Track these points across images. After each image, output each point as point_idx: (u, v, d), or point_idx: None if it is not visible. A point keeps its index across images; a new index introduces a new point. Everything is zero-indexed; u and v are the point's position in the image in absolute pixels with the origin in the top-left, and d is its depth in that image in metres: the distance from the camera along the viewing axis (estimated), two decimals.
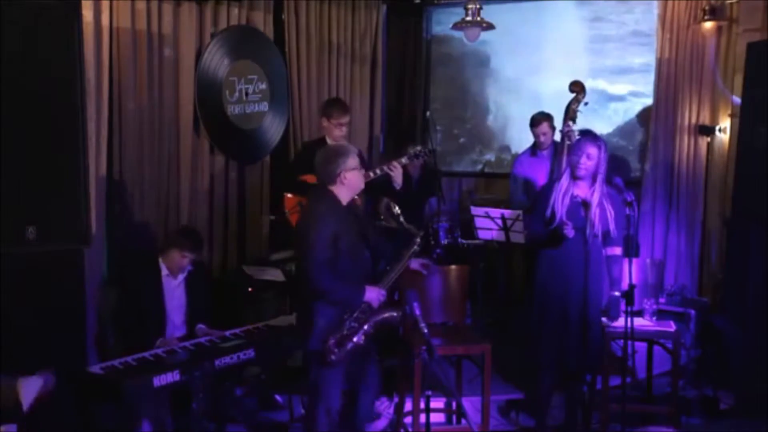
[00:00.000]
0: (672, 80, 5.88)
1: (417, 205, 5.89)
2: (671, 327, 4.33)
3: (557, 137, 5.15)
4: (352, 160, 3.57)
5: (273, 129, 5.71)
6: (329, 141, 4.80)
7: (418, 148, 5.01)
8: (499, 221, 5.33)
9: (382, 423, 4.46)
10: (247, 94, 5.46)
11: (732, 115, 5.63)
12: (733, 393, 4.69)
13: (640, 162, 6.30)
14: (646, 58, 6.29)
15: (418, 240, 3.67)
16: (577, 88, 4.83)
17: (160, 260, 4.20)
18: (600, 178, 3.96)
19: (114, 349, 4.26)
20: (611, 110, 6.54)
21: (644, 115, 6.36)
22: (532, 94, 6.81)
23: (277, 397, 4.67)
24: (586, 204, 3.96)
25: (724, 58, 5.73)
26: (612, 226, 3.97)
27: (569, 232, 3.82)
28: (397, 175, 4.80)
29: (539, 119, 5.29)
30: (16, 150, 3.37)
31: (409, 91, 7.42)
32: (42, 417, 3.30)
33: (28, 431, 3.29)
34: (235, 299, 5.03)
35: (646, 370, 4.70)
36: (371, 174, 4.69)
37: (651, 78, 6.07)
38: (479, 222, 5.50)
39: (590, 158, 3.92)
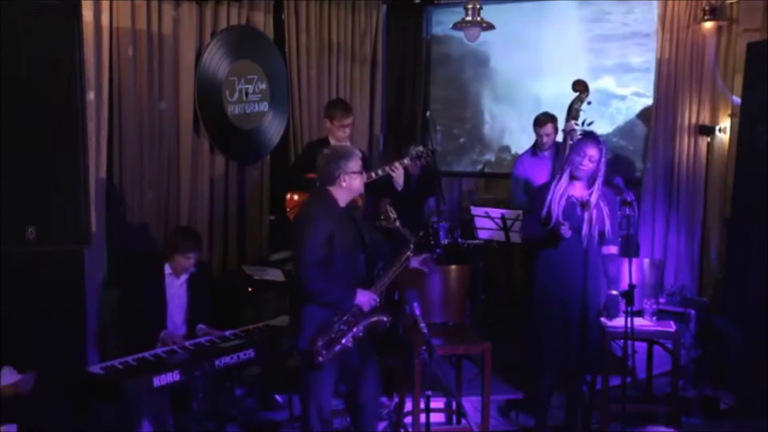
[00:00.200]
0: (672, 80, 5.88)
1: (416, 205, 5.89)
2: (671, 327, 4.33)
3: (559, 137, 5.15)
4: (354, 164, 3.55)
5: (273, 129, 5.71)
6: (332, 141, 4.81)
7: (420, 148, 5.00)
8: (499, 221, 5.33)
9: (382, 423, 4.45)
10: (247, 94, 5.46)
11: (732, 115, 5.63)
12: (733, 393, 4.69)
13: (640, 162, 6.30)
14: (646, 58, 6.30)
15: (412, 246, 3.66)
16: (580, 87, 4.82)
17: (166, 262, 4.20)
18: (599, 179, 3.96)
19: (115, 348, 4.27)
20: (611, 110, 6.54)
21: (644, 115, 6.37)
22: (532, 94, 6.81)
23: (277, 397, 4.67)
24: (583, 204, 3.95)
25: (724, 58, 5.73)
26: (608, 226, 3.97)
27: (566, 232, 3.82)
28: (398, 176, 4.80)
29: (544, 120, 5.28)
30: (16, 150, 3.37)
31: (409, 91, 7.42)
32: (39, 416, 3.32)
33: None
34: (235, 299, 5.03)
35: (646, 370, 4.71)
36: (372, 174, 4.69)
37: (651, 78, 6.08)
38: (479, 222, 5.50)
39: (591, 160, 3.92)
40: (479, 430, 3.95)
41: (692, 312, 5.13)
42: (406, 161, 4.81)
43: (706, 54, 5.75)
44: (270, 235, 5.84)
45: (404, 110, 7.42)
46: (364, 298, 3.51)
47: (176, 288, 4.19)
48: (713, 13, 5.61)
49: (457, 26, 5.97)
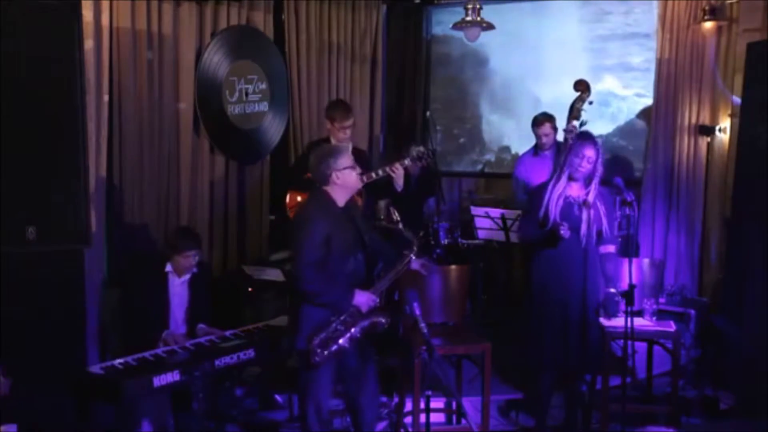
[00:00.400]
0: (672, 80, 5.88)
1: (416, 205, 5.89)
2: (671, 327, 4.33)
3: (560, 136, 5.15)
4: (344, 160, 3.53)
5: (273, 129, 5.71)
6: (333, 142, 4.81)
7: (420, 149, 4.99)
8: (499, 221, 5.33)
9: (382, 423, 4.45)
10: (247, 94, 5.46)
11: (732, 115, 5.63)
12: (733, 393, 4.69)
13: (640, 162, 6.30)
14: (646, 57, 6.30)
15: (415, 249, 3.65)
16: (581, 87, 4.80)
17: (168, 261, 4.21)
18: (596, 179, 3.96)
19: (116, 347, 4.27)
20: (611, 110, 6.54)
21: (644, 115, 6.37)
22: (532, 94, 6.82)
23: (277, 397, 4.67)
24: (584, 203, 3.95)
25: (724, 58, 5.73)
26: (605, 224, 3.97)
27: (565, 232, 3.82)
28: (398, 176, 4.80)
29: (541, 120, 5.29)
30: (16, 150, 3.37)
31: (409, 91, 7.42)
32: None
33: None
34: (235, 299, 5.03)
35: (646, 370, 4.71)
36: (373, 175, 4.69)
37: (651, 78, 6.08)
38: (479, 222, 5.50)
39: (589, 161, 3.92)
40: (479, 430, 3.95)
41: (692, 312, 5.13)
42: (406, 162, 4.81)
43: (706, 54, 5.75)
44: (270, 235, 5.84)
45: (404, 110, 7.42)
46: (363, 299, 3.50)
47: (177, 287, 4.20)
48: (713, 13, 5.61)
49: (457, 26, 5.97)
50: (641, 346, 4.66)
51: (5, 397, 3.24)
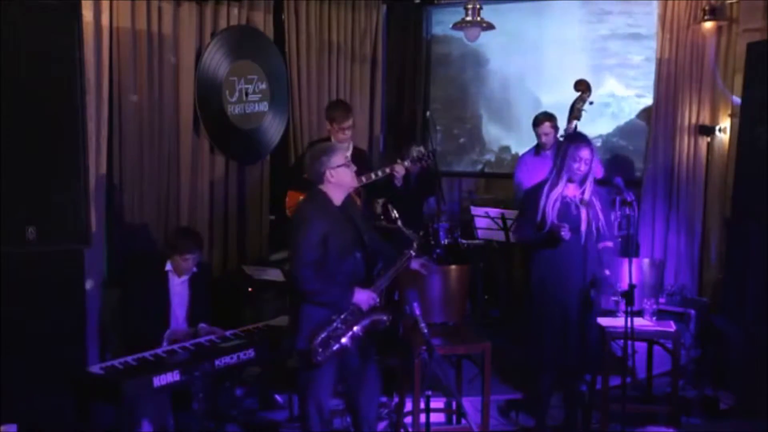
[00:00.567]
0: (672, 80, 5.89)
1: (416, 204, 5.89)
2: (671, 327, 4.33)
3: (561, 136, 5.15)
4: (337, 158, 3.53)
5: (273, 129, 5.71)
6: (333, 142, 4.81)
7: (421, 149, 5.00)
8: (499, 221, 5.33)
9: (382, 423, 4.45)
10: (247, 94, 5.46)
11: (732, 115, 5.63)
12: (733, 393, 4.69)
13: (640, 162, 6.30)
14: (646, 57, 6.30)
15: (415, 246, 3.64)
16: (582, 86, 4.81)
17: (168, 260, 4.21)
18: (590, 177, 3.97)
19: (117, 347, 4.27)
20: (611, 110, 6.54)
21: (644, 115, 6.37)
22: (532, 94, 6.82)
23: (277, 397, 4.67)
24: (584, 203, 3.95)
25: (724, 58, 5.73)
26: (602, 222, 3.97)
27: (566, 234, 3.81)
28: (398, 177, 4.80)
29: (541, 119, 5.28)
30: (16, 150, 3.37)
31: (409, 91, 7.42)
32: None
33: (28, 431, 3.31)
34: (235, 299, 5.03)
35: (646, 370, 4.70)
36: (372, 176, 4.69)
37: (651, 78, 6.08)
38: (479, 222, 5.50)
39: (586, 163, 3.93)
40: (479, 430, 3.95)
41: (692, 312, 5.13)
42: (406, 163, 4.81)
43: (706, 54, 5.75)
44: (270, 235, 5.84)
45: (404, 110, 7.42)
46: (363, 297, 3.49)
47: (178, 286, 4.20)
48: (713, 13, 5.61)
49: (457, 26, 5.97)
50: (641, 346, 4.66)
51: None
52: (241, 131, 5.46)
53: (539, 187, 4.07)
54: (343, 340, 3.44)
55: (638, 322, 4.15)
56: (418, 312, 3.24)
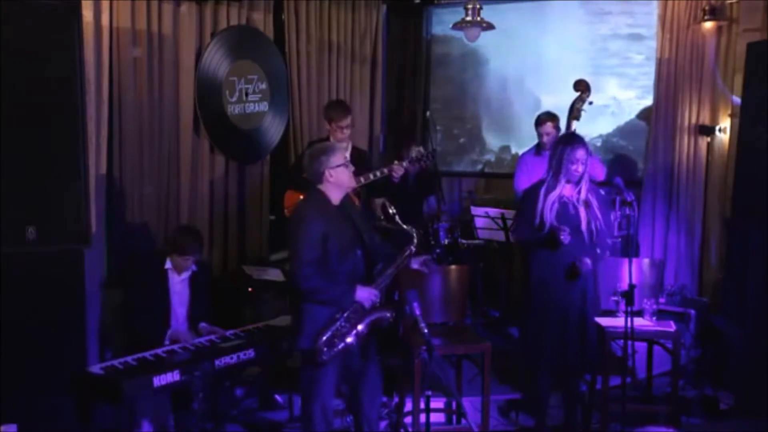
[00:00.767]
0: (672, 80, 5.89)
1: (415, 203, 5.89)
2: (671, 327, 4.33)
3: None
4: (336, 158, 3.52)
5: (273, 129, 5.71)
6: (332, 141, 4.81)
7: (421, 149, 5.00)
8: (499, 221, 5.33)
9: (382, 423, 4.46)
10: (247, 94, 5.46)
11: (732, 115, 5.64)
12: (733, 393, 4.69)
13: (640, 162, 6.30)
14: (646, 57, 6.30)
15: (415, 241, 3.64)
16: (581, 86, 4.81)
17: (167, 258, 4.21)
18: (586, 176, 3.97)
19: (117, 347, 4.27)
20: (611, 110, 6.54)
21: (644, 115, 6.37)
22: (533, 94, 6.81)
23: (277, 397, 4.67)
24: (584, 203, 3.95)
25: (724, 58, 5.74)
26: (600, 221, 3.97)
27: (566, 238, 3.81)
28: (397, 177, 4.80)
29: (543, 119, 5.28)
30: (16, 150, 3.37)
31: (409, 91, 7.42)
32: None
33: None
34: (235, 299, 5.03)
35: (646, 370, 4.71)
36: (371, 176, 4.69)
37: (651, 78, 6.08)
38: (479, 222, 5.50)
39: (582, 162, 3.93)
40: (479, 430, 3.96)
41: (692, 312, 5.13)
42: (405, 164, 4.81)
43: (706, 54, 5.75)
44: (270, 235, 5.84)
45: (404, 110, 7.42)
46: (365, 294, 3.49)
47: (178, 285, 4.20)
48: (713, 13, 5.61)
49: (457, 26, 5.97)
50: (641, 346, 4.66)
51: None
52: (241, 131, 5.46)
53: (536, 186, 4.07)
54: (348, 338, 3.44)
55: (638, 322, 4.15)
56: (418, 312, 3.24)
